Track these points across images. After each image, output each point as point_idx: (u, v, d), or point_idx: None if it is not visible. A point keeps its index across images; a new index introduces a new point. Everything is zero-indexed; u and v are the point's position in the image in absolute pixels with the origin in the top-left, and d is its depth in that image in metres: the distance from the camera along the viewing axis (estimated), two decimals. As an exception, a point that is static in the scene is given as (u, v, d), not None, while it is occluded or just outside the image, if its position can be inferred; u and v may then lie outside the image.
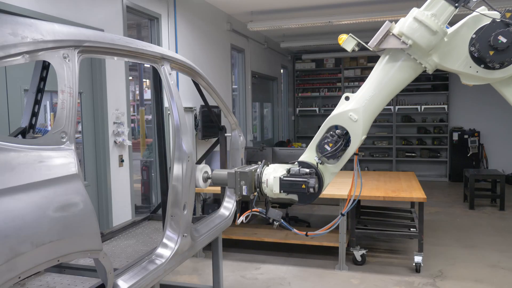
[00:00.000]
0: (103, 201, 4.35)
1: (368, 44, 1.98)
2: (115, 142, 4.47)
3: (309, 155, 2.15)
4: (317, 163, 2.12)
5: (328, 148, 2.07)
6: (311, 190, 2.07)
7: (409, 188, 4.75)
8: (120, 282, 1.95)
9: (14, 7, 3.34)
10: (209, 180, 2.55)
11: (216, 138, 3.26)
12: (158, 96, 2.81)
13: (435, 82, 10.49)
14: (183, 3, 5.90)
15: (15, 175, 1.38)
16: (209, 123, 6.07)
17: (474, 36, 1.89)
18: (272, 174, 2.14)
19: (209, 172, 2.57)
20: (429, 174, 10.63)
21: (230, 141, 3.30)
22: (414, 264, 4.39)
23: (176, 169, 2.29)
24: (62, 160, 1.56)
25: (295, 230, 2.29)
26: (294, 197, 2.15)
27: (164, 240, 2.30)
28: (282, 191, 2.11)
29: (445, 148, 10.49)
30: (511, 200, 7.71)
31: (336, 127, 2.10)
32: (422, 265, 4.37)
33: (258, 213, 2.21)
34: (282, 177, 2.11)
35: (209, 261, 4.68)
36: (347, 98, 2.10)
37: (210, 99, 3.22)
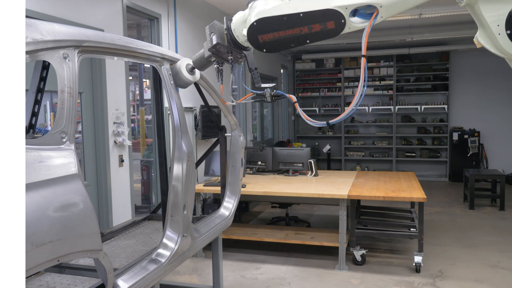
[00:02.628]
0: (103, 201, 4.36)
1: None
2: (115, 142, 4.48)
3: None
4: None
5: None
6: None
7: (409, 188, 4.75)
8: (120, 282, 1.95)
9: (14, 7, 3.34)
10: (195, 70, 2.42)
11: (216, 138, 3.25)
12: (158, 96, 2.81)
13: (435, 82, 10.49)
14: (183, 3, 5.90)
15: (15, 175, 1.38)
16: (209, 123, 6.07)
17: None
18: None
19: (191, 63, 2.45)
20: (429, 174, 10.65)
21: (230, 141, 3.30)
22: (414, 264, 4.39)
23: (176, 169, 2.29)
24: (62, 160, 1.56)
25: (288, 96, 2.18)
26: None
27: (164, 240, 2.30)
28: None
29: (445, 148, 10.49)
30: (511, 200, 7.72)
31: None
32: (422, 265, 4.37)
33: (254, 93, 2.09)
34: None
35: (209, 261, 4.69)
36: None
37: (210, 99, 3.22)
